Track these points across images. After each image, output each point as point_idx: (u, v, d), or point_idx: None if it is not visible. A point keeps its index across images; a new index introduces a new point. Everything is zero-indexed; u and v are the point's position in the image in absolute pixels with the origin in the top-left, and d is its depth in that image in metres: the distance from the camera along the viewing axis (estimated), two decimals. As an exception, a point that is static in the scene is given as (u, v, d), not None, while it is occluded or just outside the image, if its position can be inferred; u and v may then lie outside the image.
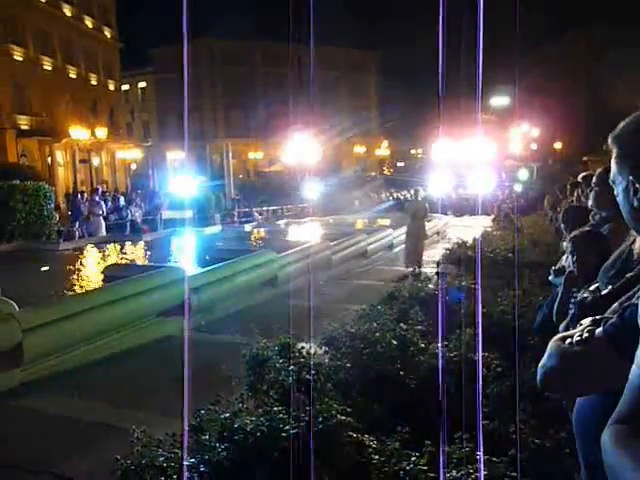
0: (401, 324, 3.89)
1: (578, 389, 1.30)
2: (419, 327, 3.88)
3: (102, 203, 16.46)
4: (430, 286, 5.33)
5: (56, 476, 3.25)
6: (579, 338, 1.21)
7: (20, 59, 30.52)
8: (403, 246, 13.40)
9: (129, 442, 2.35)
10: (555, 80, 42.01)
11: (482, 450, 1.93)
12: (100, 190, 18.87)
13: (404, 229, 14.00)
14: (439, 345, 3.15)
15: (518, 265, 5.59)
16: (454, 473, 2.18)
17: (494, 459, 2.18)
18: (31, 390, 4.53)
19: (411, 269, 8.79)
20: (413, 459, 2.27)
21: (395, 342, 3.51)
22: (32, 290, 7.14)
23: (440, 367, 2.67)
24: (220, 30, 44.73)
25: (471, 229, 13.49)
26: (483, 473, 2.00)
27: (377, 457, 2.32)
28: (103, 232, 14.08)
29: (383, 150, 57.66)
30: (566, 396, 1.78)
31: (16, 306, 4.81)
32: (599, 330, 1.18)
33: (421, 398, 2.99)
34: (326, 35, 39.59)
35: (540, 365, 1.28)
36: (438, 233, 16.11)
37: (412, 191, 9.40)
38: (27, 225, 13.28)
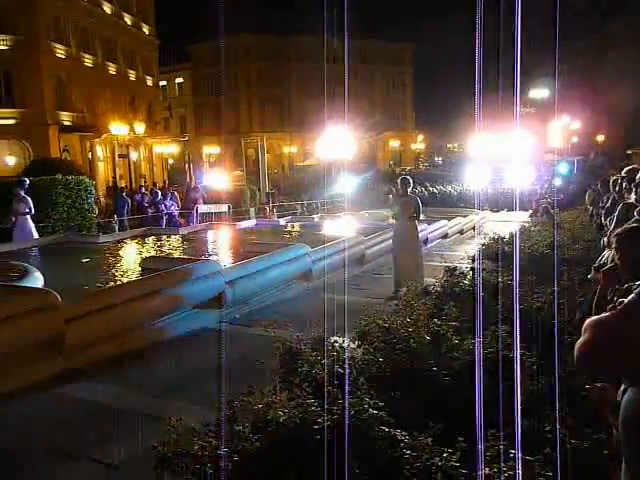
0: (435, 319, 3.86)
1: (613, 361, 1.27)
2: (453, 323, 3.84)
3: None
4: (465, 282, 5.26)
5: (94, 461, 3.36)
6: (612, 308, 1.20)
7: (62, 56, 31.38)
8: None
9: (165, 430, 2.40)
10: (598, 70, 40.69)
11: (520, 449, 1.90)
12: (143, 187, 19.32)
13: (440, 224, 13.89)
14: (475, 341, 3.11)
15: (557, 261, 5.47)
16: (487, 470, 2.15)
17: (529, 458, 2.14)
18: (72, 378, 4.68)
19: (401, 288, 6.62)
20: (445, 455, 2.26)
21: (428, 337, 3.49)
22: (73, 281, 7.36)
23: (476, 364, 2.63)
24: (255, 25, 44.98)
25: (508, 224, 13.25)
26: (518, 472, 1.97)
27: (409, 452, 2.31)
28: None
29: (418, 144, 57.05)
30: (601, 370, 1.71)
31: (59, 296, 4.97)
32: (631, 295, 1.17)
33: (454, 394, 2.97)
34: (362, 28, 39.38)
35: (577, 343, 1.27)
36: (474, 228, 15.88)
37: (399, 180, 8.18)
38: (69, 218, 13.69)
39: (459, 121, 44.42)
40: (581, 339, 1.25)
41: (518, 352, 2.63)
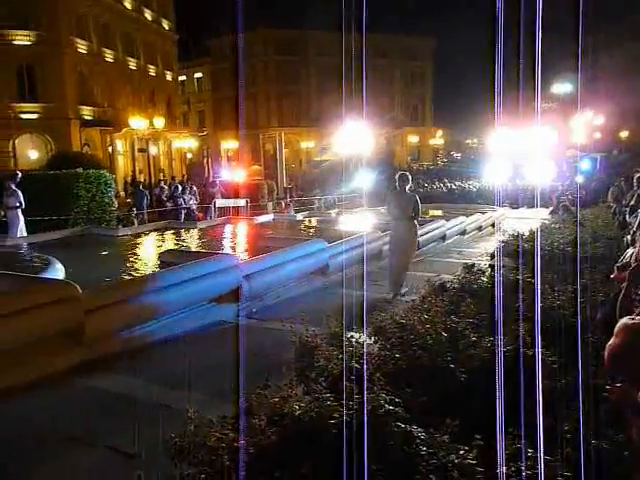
0: (452, 316, 3.83)
1: None
2: (471, 320, 3.81)
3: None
4: (483, 279, 5.22)
5: (112, 449, 3.41)
6: None
7: (84, 52, 31.76)
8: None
9: (183, 421, 2.42)
10: (621, 64, 39.89)
11: (541, 449, 1.88)
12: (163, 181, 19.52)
13: (458, 220, 13.78)
14: (494, 339, 3.07)
15: (578, 260, 5.38)
16: (504, 469, 2.13)
17: (548, 458, 2.12)
18: (91, 368, 4.75)
19: (396, 292, 7.01)
20: (462, 452, 2.24)
21: (445, 334, 3.46)
22: (93, 273, 7.46)
23: (496, 362, 2.60)
24: (274, 20, 44.99)
25: (528, 221, 13.09)
26: (535, 471, 1.95)
27: (425, 449, 2.30)
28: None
29: (437, 140, 56.64)
30: (631, 375, 1.69)
31: (79, 288, 5.04)
32: None
33: (471, 392, 2.94)
34: (380, 22, 39.16)
35: (607, 345, 1.26)
36: (493, 225, 15.73)
37: (397, 176, 7.56)
38: (89, 211, 13.89)
39: (479, 116, 43.99)
40: (611, 341, 1.23)
41: (539, 350, 2.59)
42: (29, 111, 29.58)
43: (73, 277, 5.67)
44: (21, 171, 22.43)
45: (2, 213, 11.08)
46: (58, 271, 6.47)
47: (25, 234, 11.20)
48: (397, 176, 7.50)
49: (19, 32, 29.13)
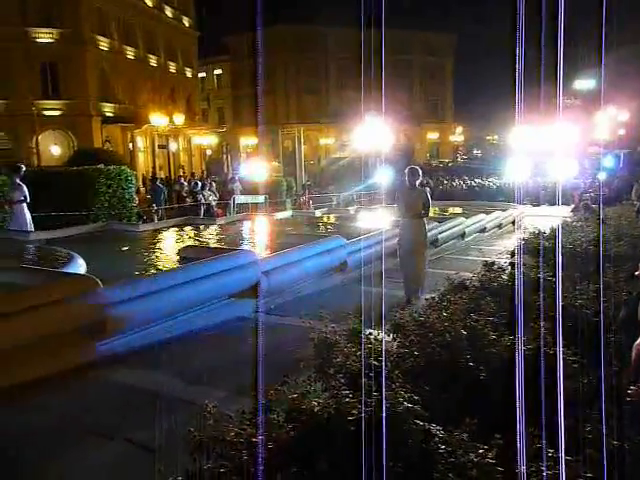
0: (471, 314, 3.80)
1: None
2: (491, 318, 3.78)
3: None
4: (503, 277, 5.16)
5: (130, 442, 3.45)
6: None
7: (106, 49, 32.13)
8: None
9: (202, 416, 2.44)
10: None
11: (562, 449, 1.85)
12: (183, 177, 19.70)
13: (477, 217, 13.66)
14: (514, 337, 3.04)
15: (600, 258, 5.30)
16: (524, 469, 2.11)
17: (569, 458, 2.09)
18: (111, 362, 4.82)
19: (410, 296, 6.63)
20: (481, 451, 2.22)
21: (465, 332, 3.44)
22: (114, 268, 7.56)
23: (516, 361, 2.57)
24: (293, 16, 44.98)
25: (549, 219, 12.92)
26: (557, 472, 1.93)
27: (443, 447, 2.29)
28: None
29: (457, 136, 56.14)
30: None
31: (100, 283, 5.11)
32: None
33: (491, 391, 2.92)
34: (400, 18, 38.90)
35: (634, 345, 1.23)
36: (513, 222, 15.56)
37: (406, 171, 7.10)
38: (110, 207, 14.07)
39: (499, 113, 43.42)
40: (639, 341, 1.21)
41: (560, 349, 2.56)
42: (52, 108, 30.04)
43: (94, 272, 5.74)
44: (44, 167, 22.83)
45: (7, 207, 10.77)
46: (80, 266, 6.57)
47: (32, 229, 10.89)
48: (406, 170, 7.08)
49: (43, 30, 29.59)
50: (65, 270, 6.08)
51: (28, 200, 10.76)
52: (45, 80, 29.86)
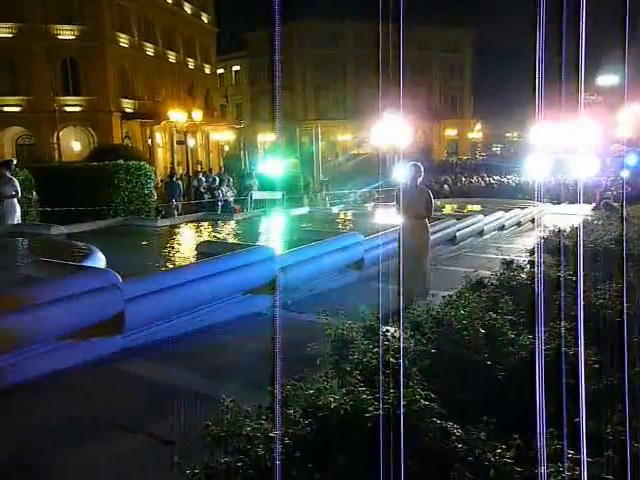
0: (490, 313, 3.77)
1: None
2: (509, 317, 3.74)
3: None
4: (522, 275, 5.11)
5: (150, 436, 3.49)
6: None
7: (126, 46, 32.41)
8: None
9: (219, 410, 2.46)
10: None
11: (584, 451, 1.82)
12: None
13: (496, 215, 13.51)
14: (534, 336, 3.00)
15: (622, 257, 5.21)
16: (542, 469, 2.09)
17: (589, 460, 2.06)
18: (130, 356, 4.87)
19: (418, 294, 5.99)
20: (499, 451, 2.20)
21: (483, 331, 3.41)
22: (133, 263, 7.63)
23: (536, 360, 2.54)
24: (311, 12, 44.91)
25: (569, 217, 12.74)
26: (575, 472, 1.90)
27: (461, 445, 2.27)
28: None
29: (476, 133, 55.63)
30: None
31: (119, 277, 5.17)
32: None
33: (509, 390, 2.89)
34: (419, 13, 38.58)
35: None
36: (533, 220, 15.38)
37: (407, 167, 6.70)
38: (129, 202, 14.21)
39: (520, 109, 42.95)
40: None
41: (582, 349, 2.52)
42: (73, 104, 30.43)
43: (113, 266, 5.81)
44: (65, 162, 23.11)
45: None
46: (99, 260, 6.64)
47: (20, 221, 10.69)
48: (408, 167, 6.57)
49: (64, 27, 29.96)
50: (85, 264, 6.15)
51: (20, 195, 10.63)
52: (66, 77, 30.26)
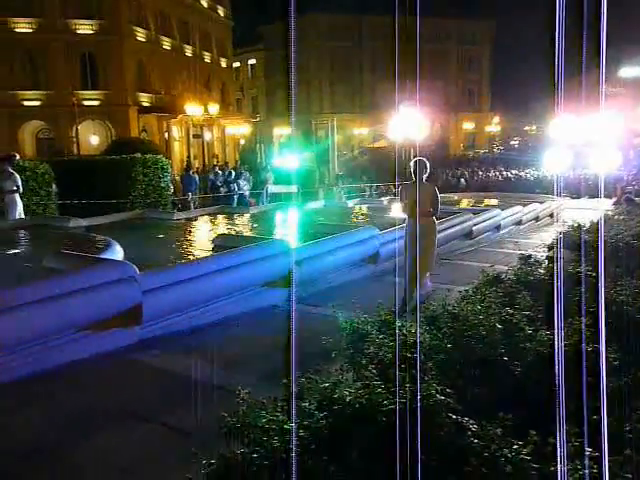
0: (507, 308, 3.74)
1: None
2: (526, 312, 3.70)
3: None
4: (540, 270, 5.05)
5: (166, 426, 3.53)
6: None
7: (143, 40, 32.57)
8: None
9: (235, 402, 2.47)
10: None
11: (605, 450, 1.80)
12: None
13: (513, 210, 13.36)
14: (552, 332, 2.97)
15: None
16: (559, 467, 2.07)
17: (611, 458, 2.04)
18: (148, 347, 4.93)
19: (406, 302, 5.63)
20: (515, 447, 2.18)
21: (500, 326, 3.38)
22: (150, 255, 7.70)
23: (555, 357, 2.51)
24: (327, 5, 44.68)
25: (589, 212, 12.57)
26: (594, 471, 1.88)
27: (476, 441, 2.26)
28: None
29: (493, 126, 55.01)
30: None
31: (137, 269, 5.22)
32: None
33: (526, 386, 2.87)
34: (436, 5, 38.17)
35: None
36: (551, 215, 15.19)
37: (412, 163, 6.26)
38: (146, 195, 14.32)
39: (538, 102, 42.37)
40: None
41: (603, 347, 2.48)
42: (91, 98, 30.71)
43: (131, 258, 5.87)
44: (83, 156, 23.35)
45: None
46: (117, 252, 6.71)
47: (23, 216, 10.66)
48: (412, 163, 6.22)
49: (83, 22, 30.20)
50: (103, 256, 6.22)
51: (21, 190, 10.61)
52: (84, 71, 30.53)
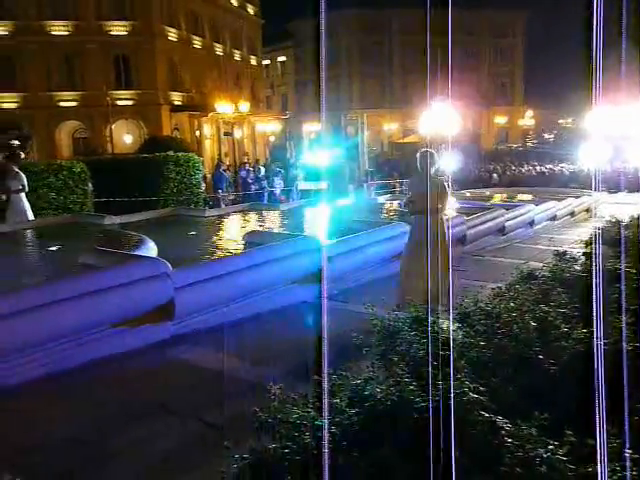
0: (541, 305, 3.66)
1: None
2: (561, 310, 3.62)
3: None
4: (576, 267, 4.92)
5: (201, 422, 3.58)
6: None
7: (174, 39, 33.01)
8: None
9: (266, 397, 2.49)
10: None
11: None
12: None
13: (547, 205, 13.06)
14: (590, 331, 2.89)
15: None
16: (598, 468, 2.02)
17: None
18: (180, 342, 5.01)
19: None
20: (551, 447, 2.14)
21: (534, 324, 3.31)
22: (182, 252, 7.81)
23: (595, 355, 2.44)
24: (357, 0, 44.46)
25: (628, 207, 12.19)
26: (633, 473, 1.82)
27: (510, 440, 2.22)
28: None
29: (527, 120, 53.87)
30: None
31: (170, 266, 5.30)
32: None
33: (561, 386, 2.80)
34: (469, -2, 37.55)
35: None
36: (587, 210, 14.81)
37: (418, 155, 5.66)
38: (178, 193, 14.55)
39: (574, 94, 41.29)
40: None
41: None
42: (124, 98, 31.29)
43: (163, 255, 5.96)
44: (117, 155, 23.82)
45: (4, 197, 10.37)
46: (150, 249, 6.83)
47: (31, 217, 10.47)
48: (418, 156, 5.71)
49: (116, 23, 30.78)
50: (137, 253, 6.33)
51: (26, 189, 10.54)
52: (118, 71, 31.11)
